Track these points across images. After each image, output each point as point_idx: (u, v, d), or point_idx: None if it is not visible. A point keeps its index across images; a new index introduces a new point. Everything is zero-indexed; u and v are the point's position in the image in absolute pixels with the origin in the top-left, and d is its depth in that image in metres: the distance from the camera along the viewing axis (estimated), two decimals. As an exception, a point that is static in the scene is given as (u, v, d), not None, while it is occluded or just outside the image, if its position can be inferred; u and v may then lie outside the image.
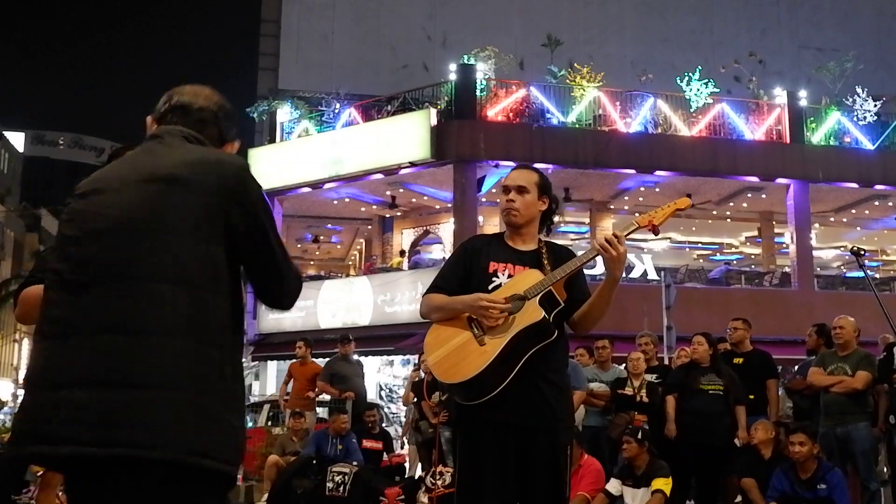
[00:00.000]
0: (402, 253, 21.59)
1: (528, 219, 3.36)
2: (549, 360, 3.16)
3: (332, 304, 19.46)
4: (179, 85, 2.21)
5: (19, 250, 42.08)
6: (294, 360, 11.21)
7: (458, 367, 3.08)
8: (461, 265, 3.37)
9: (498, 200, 21.60)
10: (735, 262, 26.04)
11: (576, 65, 20.27)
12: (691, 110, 20.01)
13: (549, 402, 3.15)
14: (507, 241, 3.40)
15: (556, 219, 3.51)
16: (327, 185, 20.48)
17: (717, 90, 20.36)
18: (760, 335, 11.04)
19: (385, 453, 9.60)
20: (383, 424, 11.59)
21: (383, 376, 20.60)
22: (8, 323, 39.00)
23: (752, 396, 7.25)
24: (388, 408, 14.22)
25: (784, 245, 22.06)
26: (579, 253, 3.29)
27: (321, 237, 26.26)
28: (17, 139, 48.90)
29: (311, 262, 29.30)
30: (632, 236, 3.19)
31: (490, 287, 3.22)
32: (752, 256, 26.22)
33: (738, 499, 6.87)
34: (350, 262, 29.17)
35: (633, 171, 19.58)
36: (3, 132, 45.72)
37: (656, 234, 3.15)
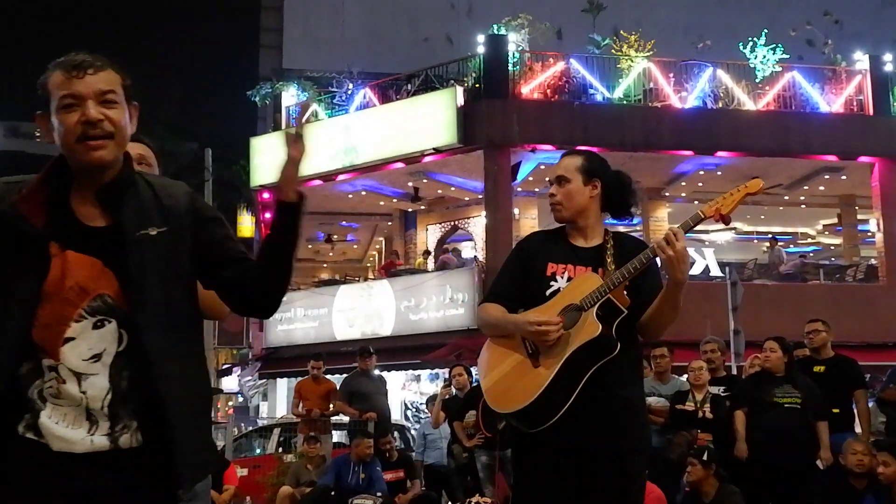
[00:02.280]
0: (425, 253, 21.62)
1: (577, 210, 3.35)
2: (618, 373, 3.15)
3: (349, 312, 19.54)
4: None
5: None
6: (303, 378, 11.25)
7: (511, 393, 3.16)
8: (518, 268, 3.41)
9: (536, 190, 21.55)
10: (811, 254, 25.79)
11: (622, 32, 20.14)
12: (757, 81, 19.79)
13: (617, 421, 3.15)
14: (568, 237, 3.40)
15: (636, 210, 3.43)
16: (341, 177, 20.55)
17: (787, 56, 20.14)
18: (842, 339, 10.92)
19: (408, 481, 9.60)
20: (411, 448, 11.62)
21: (409, 393, 20.65)
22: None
23: (836, 410, 7.16)
24: (415, 429, 14.22)
25: (869, 234, 21.78)
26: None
27: (335, 236, 26.37)
28: (-9, 132, 49.72)
29: (325, 265, 29.44)
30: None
31: (548, 292, 3.25)
32: (832, 247, 25.91)
33: (822, 529, 6.79)
34: (368, 264, 29.26)
35: (690, 153, 19.43)
36: (-24, 125, 46.56)
37: (727, 223, 3.12)
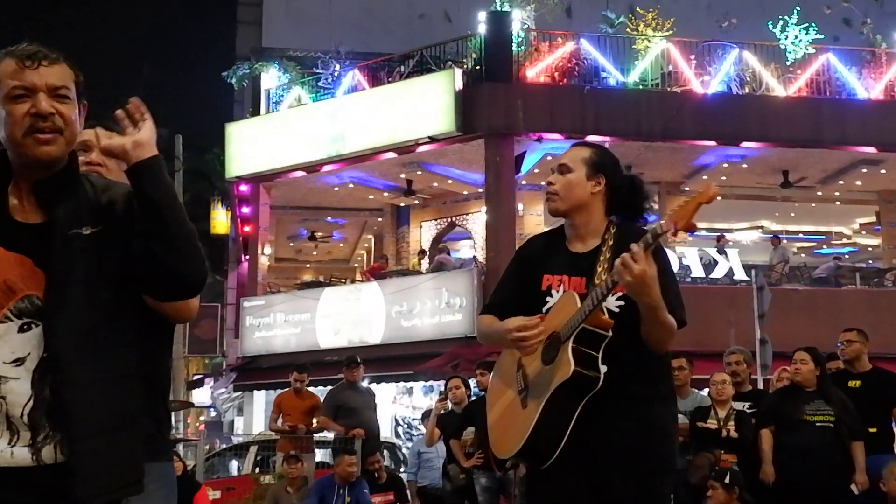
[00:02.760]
0: (420, 253, 21.61)
1: (573, 204, 3.33)
2: (631, 390, 3.16)
3: (335, 317, 19.54)
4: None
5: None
6: (284, 390, 11.26)
7: (506, 436, 3.30)
8: (516, 279, 3.45)
9: (542, 183, 21.40)
10: (847, 255, 25.82)
11: (638, 9, 20.16)
12: (787, 64, 19.84)
13: (628, 438, 3.15)
14: (566, 241, 3.40)
15: (650, 206, 3.39)
16: (326, 168, 20.56)
17: (821, 37, 20.17)
18: (880, 350, 10.94)
19: (398, 505, 9.64)
20: (401, 470, 11.63)
21: (400, 408, 20.64)
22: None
23: (872, 429, 7.17)
24: (407, 447, 14.23)
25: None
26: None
27: (319, 233, 26.38)
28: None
29: (308, 265, 29.45)
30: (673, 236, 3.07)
31: (544, 309, 3.26)
32: (870, 248, 25.94)
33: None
34: (356, 265, 29.25)
35: (713, 143, 19.46)
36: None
37: (692, 231, 3.07)
